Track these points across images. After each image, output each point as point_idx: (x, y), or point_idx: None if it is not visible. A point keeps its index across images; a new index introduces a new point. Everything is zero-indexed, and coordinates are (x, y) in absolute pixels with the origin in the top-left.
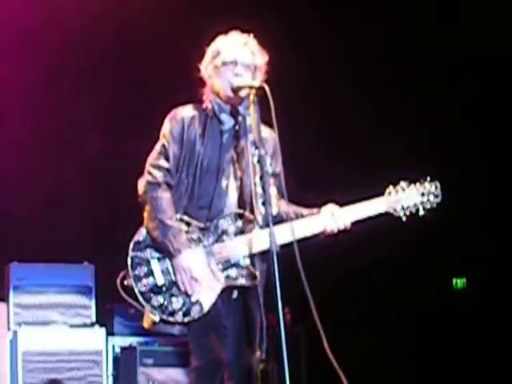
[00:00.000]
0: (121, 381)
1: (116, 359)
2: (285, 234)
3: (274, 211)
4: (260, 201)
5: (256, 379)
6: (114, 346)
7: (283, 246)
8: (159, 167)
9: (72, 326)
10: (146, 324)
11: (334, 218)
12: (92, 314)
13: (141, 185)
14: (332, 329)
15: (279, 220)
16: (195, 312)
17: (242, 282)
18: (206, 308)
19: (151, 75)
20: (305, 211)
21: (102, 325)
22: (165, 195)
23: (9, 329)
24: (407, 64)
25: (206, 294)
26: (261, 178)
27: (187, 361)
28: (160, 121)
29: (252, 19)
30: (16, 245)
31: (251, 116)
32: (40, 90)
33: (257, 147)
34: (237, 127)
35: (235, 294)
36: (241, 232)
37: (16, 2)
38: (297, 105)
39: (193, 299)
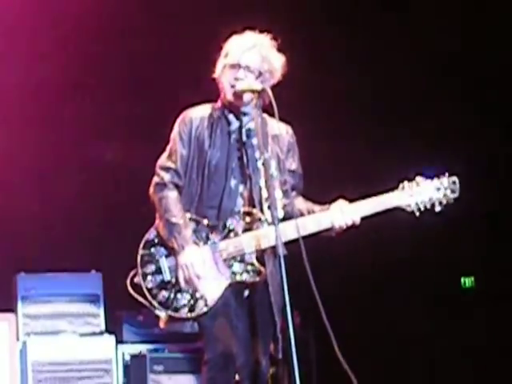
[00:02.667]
0: None
1: (126, 367)
2: (293, 230)
3: (280, 214)
4: (266, 204)
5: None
6: (123, 354)
7: (291, 242)
8: (167, 168)
9: (81, 334)
10: (161, 324)
11: (342, 213)
12: (101, 322)
13: (151, 186)
14: (340, 329)
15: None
16: (200, 307)
17: (245, 277)
18: (210, 303)
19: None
20: (317, 208)
21: (111, 333)
22: (171, 195)
23: (18, 339)
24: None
25: (211, 290)
26: (266, 181)
27: (197, 367)
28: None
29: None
30: (21, 255)
31: (254, 120)
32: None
33: (261, 151)
34: (242, 128)
35: (246, 292)
36: (248, 229)
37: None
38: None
39: (197, 295)
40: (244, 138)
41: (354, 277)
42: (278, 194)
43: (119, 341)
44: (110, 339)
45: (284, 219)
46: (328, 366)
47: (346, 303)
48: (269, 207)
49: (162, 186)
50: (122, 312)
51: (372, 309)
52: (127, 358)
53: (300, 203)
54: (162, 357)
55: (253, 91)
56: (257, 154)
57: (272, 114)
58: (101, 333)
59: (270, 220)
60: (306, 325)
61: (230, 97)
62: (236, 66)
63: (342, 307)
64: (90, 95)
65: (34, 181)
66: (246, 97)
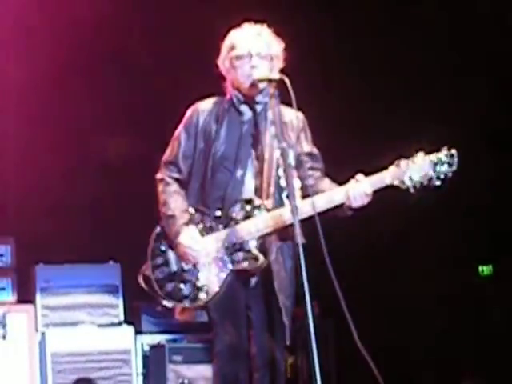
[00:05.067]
0: (150, 379)
1: (145, 357)
2: (306, 207)
3: (299, 204)
4: (284, 193)
5: (281, 372)
6: (142, 345)
7: (305, 220)
8: (168, 163)
9: (100, 325)
10: (177, 315)
11: (357, 182)
12: (120, 312)
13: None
14: (357, 321)
15: None
16: (202, 297)
17: (245, 265)
18: (211, 293)
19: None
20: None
21: (129, 323)
22: (167, 189)
23: (37, 330)
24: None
25: (213, 279)
26: (284, 170)
27: None
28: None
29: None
30: (40, 246)
31: (271, 109)
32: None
33: (279, 140)
34: (256, 117)
35: (253, 281)
36: (248, 217)
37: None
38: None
39: (198, 284)
40: (261, 123)
41: (367, 263)
42: (297, 183)
43: (138, 331)
44: (129, 330)
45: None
46: (348, 355)
47: (359, 290)
48: (287, 196)
49: (161, 181)
50: (141, 302)
51: (385, 296)
52: (146, 348)
53: (325, 185)
54: (180, 347)
55: (270, 80)
56: (275, 144)
57: (282, 101)
58: (119, 323)
59: (269, 206)
60: (326, 314)
61: (247, 86)
62: (247, 56)
63: (355, 293)
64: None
65: (53, 173)
66: (263, 85)
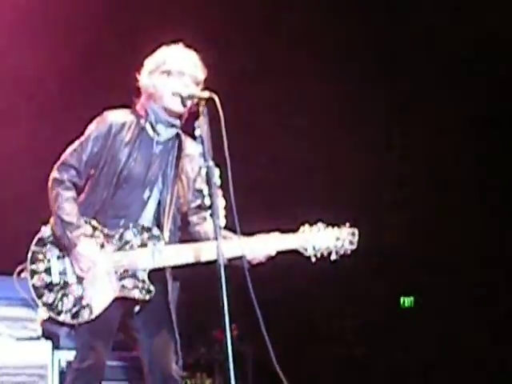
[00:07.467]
0: None
1: (62, 373)
2: (209, 251)
3: (222, 223)
4: (207, 212)
5: None
6: (59, 360)
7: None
8: (69, 166)
9: (18, 339)
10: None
11: (264, 243)
12: (38, 327)
13: (49, 180)
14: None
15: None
16: (84, 315)
17: (135, 294)
18: (95, 312)
19: None
20: (229, 234)
21: (48, 338)
22: (66, 193)
23: None
24: None
25: (98, 299)
26: (209, 189)
27: (133, 376)
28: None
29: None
30: None
31: (201, 127)
32: None
33: (205, 159)
34: (174, 140)
35: (137, 308)
36: (144, 245)
37: None
38: None
39: (83, 303)
40: (178, 146)
41: (293, 292)
42: (222, 202)
43: (56, 346)
44: (47, 345)
45: (193, 239)
46: (265, 379)
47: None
48: (211, 215)
49: (60, 182)
50: None
51: (311, 322)
52: (63, 364)
53: (209, 227)
54: None
55: (201, 98)
56: (201, 162)
57: (188, 133)
58: (38, 338)
59: (167, 239)
60: (244, 337)
61: (171, 103)
62: (179, 74)
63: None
64: None
65: None
66: (190, 103)
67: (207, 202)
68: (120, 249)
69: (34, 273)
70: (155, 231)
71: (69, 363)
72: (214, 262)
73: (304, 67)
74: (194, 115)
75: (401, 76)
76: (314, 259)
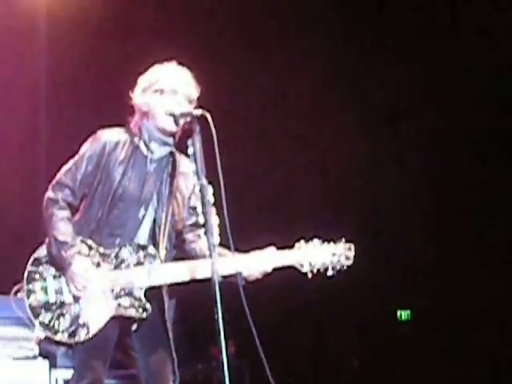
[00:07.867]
0: None
1: None
2: (204, 269)
3: (217, 241)
4: (202, 230)
5: None
6: (56, 380)
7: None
8: (63, 185)
9: (15, 358)
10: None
11: (260, 260)
12: (35, 346)
13: (44, 199)
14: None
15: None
16: (81, 334)
17: (131, 312)
18: (92, 331)
19: None
20: (224, 252)
21: (45, 357)
22: (61, 213)
23: None
24: None
25: (94, 318)
26: (203, 207)
27: None
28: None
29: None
30: None
31: (194, 145)
32: None
33: (199, 177)
34: (168, 158)
35: (134, 326)
36: (140, 264)
37: None
38: None
39: (80, 321)
40: (169, 167)
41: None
42: (215, 220)
43: (53, 365)
44: (44, 364)
45: (189, 256)
46: None
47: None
48: (205, 233)
49: (54, 202)
50: None
51: (306, 338)
52: (60, 383)
53: (204, 244)
54: None
55: (194, 116)
56: (194, 180)
57: (182, 151)
58: (34, 357)
59: (163, 258)
60: (241, 354)
61: (164, 122)
62: (172, 92)
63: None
64: None
65: None
66: (183, 121)
67: (201, 220)
68: (116, 267)
69: (30, 292)
70: (151, 249)
71: (66, 382)
72: (209, 280)
73: None
74: (187, 133)
75: None
76: (310, 275)
